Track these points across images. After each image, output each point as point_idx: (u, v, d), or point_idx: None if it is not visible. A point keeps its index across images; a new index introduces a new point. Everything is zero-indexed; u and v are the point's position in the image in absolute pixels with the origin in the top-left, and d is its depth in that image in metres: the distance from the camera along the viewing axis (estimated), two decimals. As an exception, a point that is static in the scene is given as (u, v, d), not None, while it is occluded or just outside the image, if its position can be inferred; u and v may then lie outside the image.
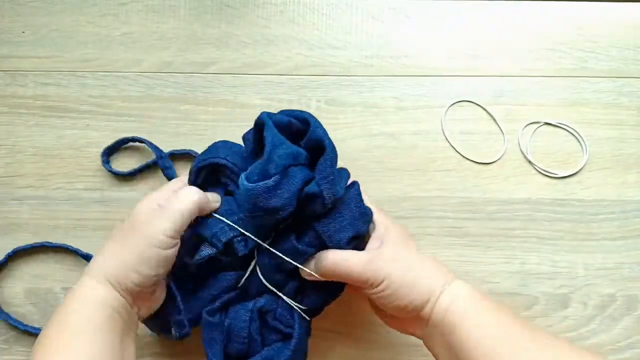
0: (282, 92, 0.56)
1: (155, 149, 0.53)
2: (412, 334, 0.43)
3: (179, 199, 0.41)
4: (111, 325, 0.39)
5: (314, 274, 0.42)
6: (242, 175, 0.41)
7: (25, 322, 0.51)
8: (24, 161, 0.55)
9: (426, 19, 0.57)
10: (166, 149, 0.54)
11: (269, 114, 0.43)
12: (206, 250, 0.42)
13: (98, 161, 0.54)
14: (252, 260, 0.44)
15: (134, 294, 0.41)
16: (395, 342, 0.51)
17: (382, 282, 0.40)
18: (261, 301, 0.44)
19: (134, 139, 0.54)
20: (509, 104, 0.55)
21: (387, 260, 0.41)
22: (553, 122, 0.55)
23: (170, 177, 0.53)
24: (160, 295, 0.44)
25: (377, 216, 0.45)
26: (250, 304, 0.44)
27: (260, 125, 0.42)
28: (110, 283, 0.40)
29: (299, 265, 0.42)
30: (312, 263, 0.43)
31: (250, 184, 0.40)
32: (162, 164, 0.53)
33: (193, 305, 0.44)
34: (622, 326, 0.51)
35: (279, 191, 0.40)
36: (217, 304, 0.44)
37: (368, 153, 0.54)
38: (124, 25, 0.57)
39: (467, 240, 0.53)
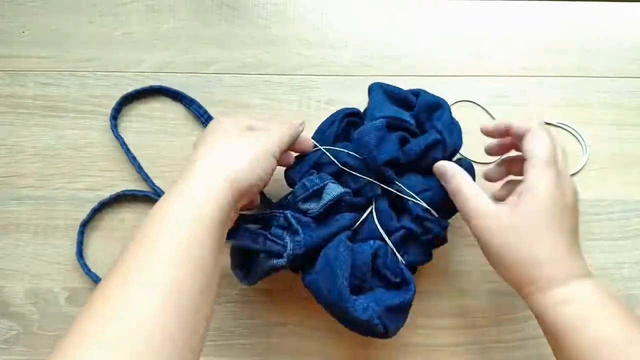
0: (282, 92, 0.56)
1: (187, 98, 0.55)
2: (516, 288, 0.41)
3: (291, 123, 0.45)
4: (223, 225, 0.39)
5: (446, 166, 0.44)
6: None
7: (25, 322, 0.52)
8: (24, 161, 0.55)
9: (426, 19, 0.57)
10: (166, 149, 0.54)
11: (380, 84, 0.48)
12: (336, 190, 0.44)
13: (98, 161, 0.54)
14: (368, 206, 0.46)
15: (242, 198, 0.41)
16: (395, 342, 0.51)
17: (483, 243, 0.40)
18: (378, 243, 0.44)
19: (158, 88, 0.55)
20: (509, 104, 0.55)
21: (504, 227, 0.39)
22: (553, 122, 0.55)
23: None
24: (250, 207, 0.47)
25: (545, 161, 0.40)
26: (371, 242, 0.44)
27: (369, 90, 0.48)
28: (229, 182, 0.39)
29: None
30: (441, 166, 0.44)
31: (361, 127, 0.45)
32: (196, 111, 0.55)
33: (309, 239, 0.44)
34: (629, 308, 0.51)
35: (384, 136, 0.45)
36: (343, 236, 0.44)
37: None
38: (124, 25, 0.57)
39: (468, 240, 0.53)
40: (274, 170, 0.43)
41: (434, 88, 0.55)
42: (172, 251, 0.35)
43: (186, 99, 0.55)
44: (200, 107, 0.55)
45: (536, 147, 0.40)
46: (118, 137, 0.54)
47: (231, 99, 0.55)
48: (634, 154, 0.54)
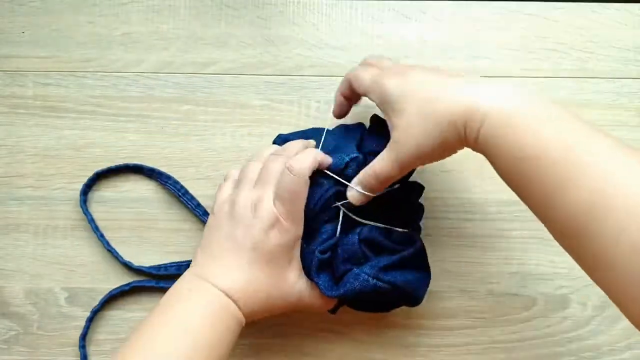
0: (282, 92, 0.56)
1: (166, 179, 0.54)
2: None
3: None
4: (231, 338, 0.41)
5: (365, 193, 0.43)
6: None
7: (25, 322, 0.52)
8: (24, 161, 0.55)
9: (426, 19, 0.57)
10: (166, 149, 0.54)
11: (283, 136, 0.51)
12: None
13: (98, 161, 0.54)
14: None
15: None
16: (395, 342, 0.51)
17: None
18: (365, 230, 0.45)
19: (128, 166, 0.54)
20: (509, 104, 0.55)
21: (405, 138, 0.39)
22: (553, 123, 0.55)
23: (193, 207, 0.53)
24: None
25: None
26: (356, 232, 0.45)
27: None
28: (236, 301, 0.41)
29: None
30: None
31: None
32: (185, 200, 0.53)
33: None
34: (622, 327, 0.51)
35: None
36: (326, 245, 0.44)
37: (368, 153, 0.54)
38: (124, 25, 0.57)
39: (467, 241, 0.53)
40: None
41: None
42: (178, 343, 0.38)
43: (162, 176, 0.53)
44: (177, 182, 0.53)
45: (358, 82, 0.44)
46: (87, 214, 0.52)
47: (231, 99, 0.55)
48: (634, 154, 0.54)
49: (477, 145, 0.37)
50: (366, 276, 0.42)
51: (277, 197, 0.42)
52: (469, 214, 0.53)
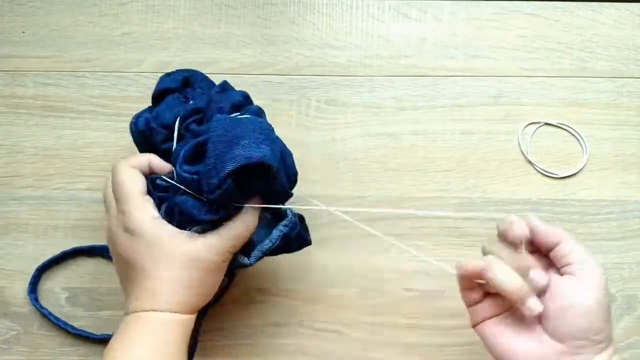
0: (282, 92, 0.56)
1: None
2: None
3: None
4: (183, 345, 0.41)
5: None
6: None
7: (25, 322, 0.52)
8: (24, 161, 0.55)
9: (427, 18, 0.57)
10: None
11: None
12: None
13: (98, 161, 0.54)
14: None
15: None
16: (395, 342, 0.51)
17: None
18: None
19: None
20: (509, 104, 0.55)
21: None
22: (553, 122, 0.55)
23: None
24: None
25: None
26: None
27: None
28: (180, 310, 0.40)
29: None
30: None
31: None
32: None
33: None
34: (622, 326, 0.51)
35: None
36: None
37: (368, 153, 0.54)
38: (124, 25, 0.57)
39: (467, 240, 0.53)
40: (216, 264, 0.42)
41: (434, 88, 0.56)
42: None
43: (106, 252, 0.52)
44: None
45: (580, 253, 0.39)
46: (41, 310, 0.51)
47: (231, 99, 0.55)
48: (634, 154, 0.54)
49: None
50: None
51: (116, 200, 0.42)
52: (469, 213, 0.53)
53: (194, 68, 0.56)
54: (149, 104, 0.55)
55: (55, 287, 0.52)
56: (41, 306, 0.51)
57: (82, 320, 0.52)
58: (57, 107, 0.55)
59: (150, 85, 0.55)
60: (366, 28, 0.57)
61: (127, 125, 0.55)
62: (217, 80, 0.56)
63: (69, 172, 0.54)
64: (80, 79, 0.56)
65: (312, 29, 0.57)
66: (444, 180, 0.54)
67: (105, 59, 0.56)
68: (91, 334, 0.51)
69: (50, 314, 0.51)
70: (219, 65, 0.56)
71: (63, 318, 0.52)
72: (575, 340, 0.37)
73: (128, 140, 0.55)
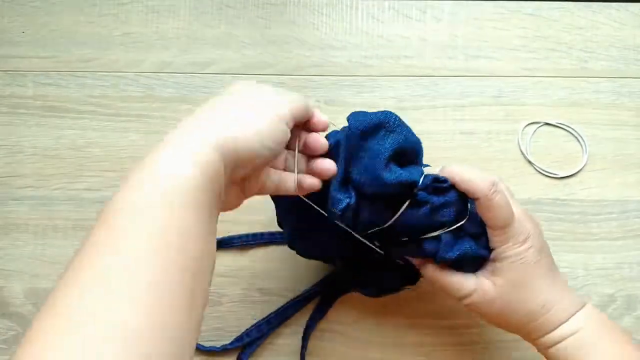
0: (282, 92, 0.56)
1: None
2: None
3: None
4: (211, 203, 0.30)
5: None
6: None
7: (25, 322, 0.51)
8: (24, 161, 0.55)
9: (426, 19, 0.57)
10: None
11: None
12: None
13: (98, 161, 0.54)
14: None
15: (239, 168, 0.32)
16: (395, 342, 0.51)
17: (481, 315, 0.41)
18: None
19: None
20: (509, 104, 0.55)
21: (494, 299, 0.40)
22: (553, 122, 0.55)
23: None
24: (247, 192, 0.36)
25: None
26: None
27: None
28: (221, 140, 0.30)
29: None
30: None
31: None
32: None
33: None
34: (622, 326, 0.51)
35: None
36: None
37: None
38: (124, 25, 0.57)
39: (467, 241, 0.53)
40: (284, 142, 0.34)
41: (434, 88, 0.56)
42: (142, 250, 0.26)
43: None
44: None
45: (490, 217, 0.39)
46: None
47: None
48: (634, 154, 0.54)
49: (544, 348, 0.40)
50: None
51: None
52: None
53: (194, 68, 0.56)
54: (149, 103, 0.56)
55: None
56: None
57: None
58: (57, 107, 0.55)
59: (150, 85, 0.55)
60: (366, 28, 0.57)
61: (127, 125, 0.55)
62: (217, 80, 0.56)
63: (69, 172, 0.54)
64: (80, 79, 0.56)
65: (312, 29, 0.57)
66: (444, 180, 0.54)
67: (105, 59, 0.56)
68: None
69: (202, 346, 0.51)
70: (219, 65, 0.56)
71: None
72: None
73: (128, 139, 0.55)
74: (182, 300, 0.27)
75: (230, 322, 0.52)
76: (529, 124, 0.55)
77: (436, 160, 0.54)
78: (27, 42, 0.57)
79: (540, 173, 0.54)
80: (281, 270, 0.52)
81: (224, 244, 0.52)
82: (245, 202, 0.38)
